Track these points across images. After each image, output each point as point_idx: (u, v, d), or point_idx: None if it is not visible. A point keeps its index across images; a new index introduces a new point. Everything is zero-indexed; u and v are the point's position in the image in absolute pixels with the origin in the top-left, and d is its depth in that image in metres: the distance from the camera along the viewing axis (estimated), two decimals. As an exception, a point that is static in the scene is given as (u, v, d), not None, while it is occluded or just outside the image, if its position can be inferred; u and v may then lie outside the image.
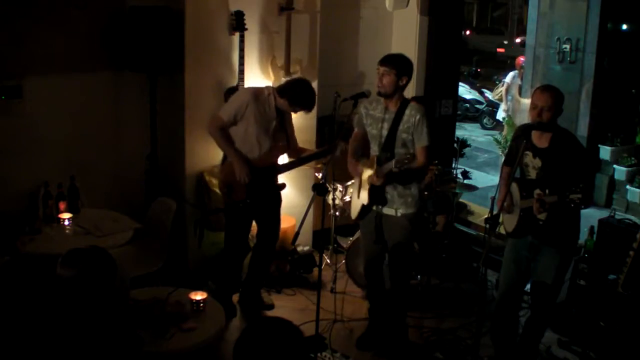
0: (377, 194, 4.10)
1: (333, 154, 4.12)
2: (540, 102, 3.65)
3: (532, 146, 3.74)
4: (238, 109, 4.36)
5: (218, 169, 4.94)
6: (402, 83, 4.01)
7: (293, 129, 4.67)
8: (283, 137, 4.52)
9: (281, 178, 4.75)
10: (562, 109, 3.71)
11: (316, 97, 4.52)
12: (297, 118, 5.36)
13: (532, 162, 3.77)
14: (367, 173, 4.15)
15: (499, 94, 11.98)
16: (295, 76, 5.30)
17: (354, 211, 4.35)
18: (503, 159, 4.05)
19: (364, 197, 4.17)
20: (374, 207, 4.17)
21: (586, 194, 3.39)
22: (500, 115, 11.28)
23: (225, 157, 4.64)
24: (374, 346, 4.42)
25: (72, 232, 4.31)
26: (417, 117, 3.97)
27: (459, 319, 4.85)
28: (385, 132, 4.04)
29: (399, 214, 4.10)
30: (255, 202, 4.47)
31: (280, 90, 4.41)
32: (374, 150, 4.13)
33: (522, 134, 3.78)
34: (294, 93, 4.36)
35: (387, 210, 4.13)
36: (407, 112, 4.00)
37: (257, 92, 4.43)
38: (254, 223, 4.71)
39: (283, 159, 4.77)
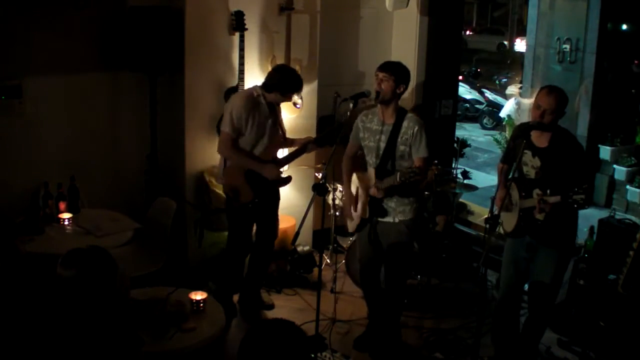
0: (376, 207, 4.11)
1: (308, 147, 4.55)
2: (544, 104, 3.64)
3: (532, 145, 3.74)
4: (238, 119, 4.33)
5: (218, 170, 4.92)
6: (400, 91, 4.01)
7: (282, 121, 4.66)
8: (279, 131, 4.53)
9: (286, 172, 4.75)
10: (565, 111, 3.71)
11: (300, 77, 4.48)
12: (297, 118, 5.39)
13: (531, 162, 3.77)
14: (361, 186, 4.16)
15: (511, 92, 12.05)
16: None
17: (352, 225, 4.35)
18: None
19: (361, 210, 4.18)
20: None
21: (587, 195, 3.39)
22: (504, 113, 11.32)
23: (226, 161, 4.58)
24: (371, 347, 4.41)
25: (72, 232, 4.31)
26: (415, 128, 3.97)
27: (459, 319, 4.85)
28: (383, 145, 4.04)
29: (396, 220, 4.10)
30: (263, 200, 4.49)
31: (267, 86, 4.38)
32: (372, 162, 4.12)
33: (521, 133, 3.78)
34: (282, 83, 4.35)
35: (385, 218, 4.13)
36: (405, 124, 4.00)
37: (248, 96, 4.40)
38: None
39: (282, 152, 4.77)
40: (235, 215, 4.58)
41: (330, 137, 4.68)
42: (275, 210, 4.72)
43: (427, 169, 4.11)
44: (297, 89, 4.50)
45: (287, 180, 4.65)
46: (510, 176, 3.79)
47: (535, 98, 3.76)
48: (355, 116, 4.27)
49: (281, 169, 4.64)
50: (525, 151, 3.75)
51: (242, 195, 4.46)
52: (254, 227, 4.74)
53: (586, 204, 3.39)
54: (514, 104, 10.59)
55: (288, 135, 4.69)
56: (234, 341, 3.88)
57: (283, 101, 4.50)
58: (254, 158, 4.42)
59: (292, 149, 4.69)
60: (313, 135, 5.55)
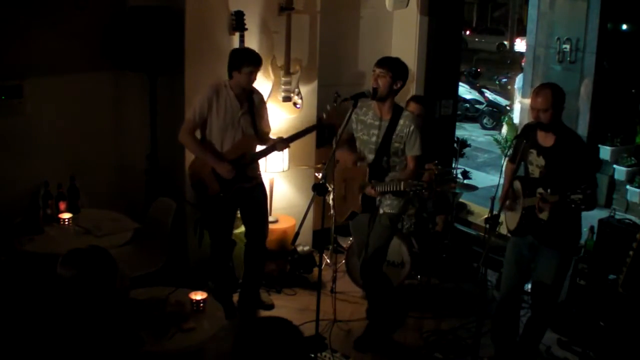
0: (370, 203, 4.12)
1: (276, 148, 4.48)
2: (536, 104, 3.63)
3: (537, 145, 3.73)
4: (201, 106, 4.37)
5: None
6: (397, 87, 4.00)
7: (265, 117, 4.61)
8: (252, 126, 4.49)
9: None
10: (564, 106, 3.69)
11: (252, 50, 4.45)
12: (297, 118, 5.39)
13: (536, 161, 3.76)
14: (353, 178, 4.16)
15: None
16: (295, 75, 5.31)
17: (341, 214, 4.36)
18: (503, 158, 4.05)
19: (352, 203, 4.18)
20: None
21: (592, 197, 3.37)
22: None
23: None
24: (372, 348, 4.41)
25: (72, 232, 4.31)
26: (411, 127, 3.98)
27: (459, 319, 4.85)
28: (378, 140, 4.04)
29: (381, 212, 4.12)
30: (229, 195, 4.46)
31: (228, 73, 4.39)
32: (366, 157, 4.12)
33: (521, 133, 3.78)
34: (232, 59, 4.35)
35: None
36: (401, 122, 4.01)
37: (218, 86, 4.43)
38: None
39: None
40: (207, 210, 4.57)
41: (301, 137, 4.66)
42: (260, 207, 4.66)
43: (419, 170, 4.11)
44: (248, 60, 4.31)
45: (252, 180, 4.55)
46: (514, 175, 3.79)
47: (530, 100, 3.76)
48: (334, 117, 4.25)
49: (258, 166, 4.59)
50: (531, 150, 3.75)
51: (209, 188, 4.46)
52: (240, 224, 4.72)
53: (585, 205, 3.38)
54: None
55: (287, 134, 4.67)
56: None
57: (246, 80, 4.32)
58: (210, 151, 4.40)
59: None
60: (313, 135, 5.55)
